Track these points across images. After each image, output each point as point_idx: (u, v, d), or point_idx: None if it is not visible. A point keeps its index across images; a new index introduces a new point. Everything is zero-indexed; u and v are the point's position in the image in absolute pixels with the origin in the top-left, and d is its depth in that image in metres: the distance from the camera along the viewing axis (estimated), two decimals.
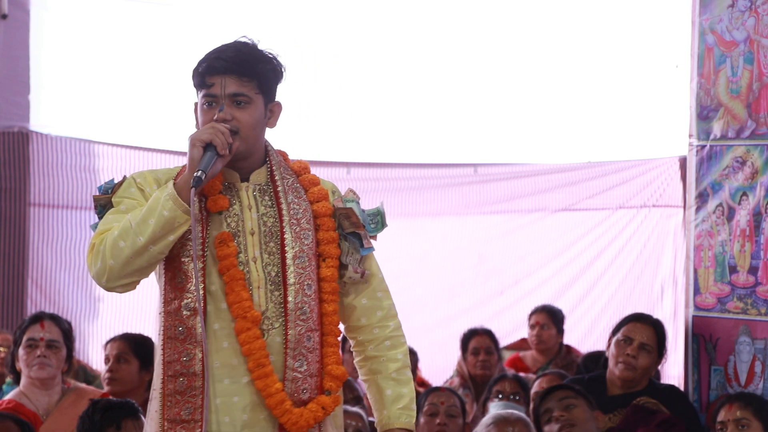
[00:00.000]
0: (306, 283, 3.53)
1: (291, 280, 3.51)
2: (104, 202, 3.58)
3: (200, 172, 3.37)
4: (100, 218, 3.58)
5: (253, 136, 3.54)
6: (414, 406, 3.67)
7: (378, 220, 3.70)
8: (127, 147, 8.32)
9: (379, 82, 8.62)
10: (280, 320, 3.50)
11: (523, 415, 5.61)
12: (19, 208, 8.15)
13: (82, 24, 8.37)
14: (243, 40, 3.57)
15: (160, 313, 3.56)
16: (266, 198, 3.57)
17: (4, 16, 8.12)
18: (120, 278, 3.45)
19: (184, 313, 3.48)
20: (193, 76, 3.54)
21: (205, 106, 3.51)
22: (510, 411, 5.67)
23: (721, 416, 5.44)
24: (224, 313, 3.49)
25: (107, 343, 6.19)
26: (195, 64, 3.54)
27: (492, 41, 8.69)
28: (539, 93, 8.74)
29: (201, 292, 3.46)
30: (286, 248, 3.52)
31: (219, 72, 3.49)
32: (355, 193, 3.69)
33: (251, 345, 3.45)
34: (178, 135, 7.82)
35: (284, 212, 3.55)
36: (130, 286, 3.52)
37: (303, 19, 8.46)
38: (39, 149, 8.19)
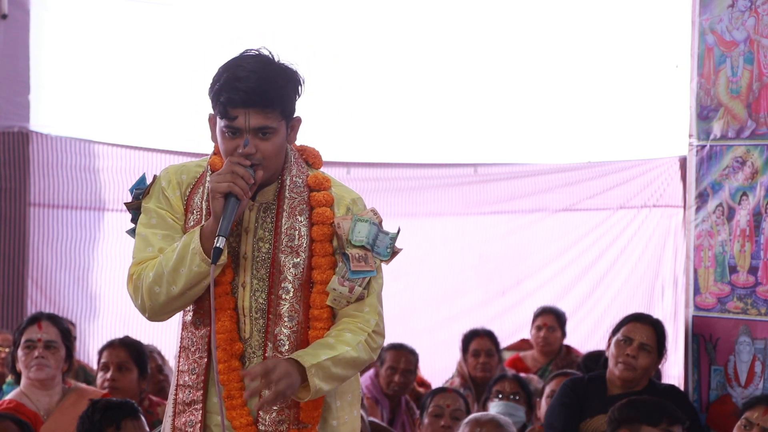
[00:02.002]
0: (288, 314, 3.46)
1: (273, 310, 3.46)
2: (136, 206, 3.54)
3: (220, 240, 3.31)
4: (133, 222, 3.55)
5: (275, 162, 3.47)
6: (322, 377, 3.34)
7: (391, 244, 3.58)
8: (127, 147, 8.32)
9: (379, 83, 8.62)
10: (262, 349, 3.47)
11: (496, 416, 5.61)
12: (19, 208, 8.15)
13: (82, 24, 8.37)
14: (261, 54, 3.43)
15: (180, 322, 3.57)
16: (268, 219, 3.49)
17: (4, 16, 8.13)
18: (161, 315, 3.47)
19: (196, 324, 3.48)
20: (213, 100, 3.41)
21: (227, 134, 3.41)
22: (484, 413, 5.68)
23: (752, 414, 5.37)
24: None
25: (104, 349, 6.16)
26: (213, 84, 3.40)
27: (492, 42, 8.69)
28: (539, 93, 8.74)
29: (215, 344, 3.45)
30: (273, 277, 3.47)
31: (241, 105, 3.36)
32: (376, 214, 3.56)
33: (226, 376, 3.44)
34: (178, 135, 7.86)
35: (280, 238, 3.48)
36: (174, 315, 3.55)
37: (303, 19, 8.46)
38: (39, 149, 8.19)
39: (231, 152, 3.40)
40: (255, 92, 3.37)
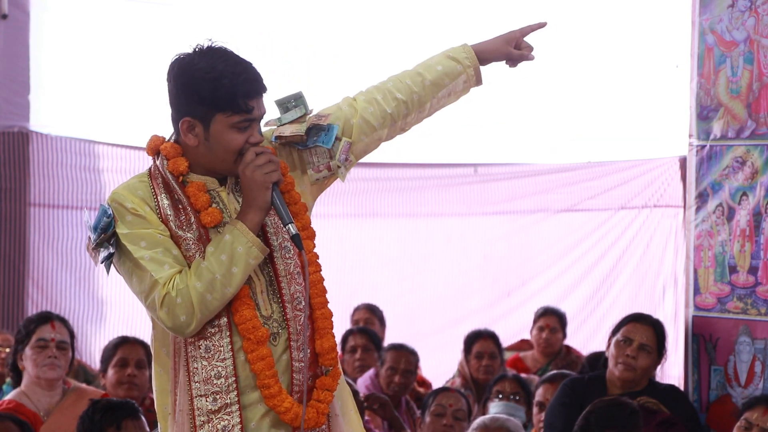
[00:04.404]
0: (296, 271, 3.50)
1: (282, 272, 3.49)
2: (109, 237, 3.44)
3: (292, 226, 3.41)
4: (106, 255, 3.43)
5: None
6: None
7: (298, 103, 3.62)
8: (127, 147, 8.33)
9: (377, 80, 8.60)
10: (284, 319, 3.48)
11: (509, 419, 5.59)
12: (19, 208, 8.15)
13: (82, 24, 8.37)
14: (223, 47, 3.44)
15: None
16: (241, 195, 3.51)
17: (4, 16, 8.13)
18: (202, 325, 3.43)
19: (209, 330, 3.45)
20: (224, 98, 3.38)
21: (241, 129, 3.41)
22: (494, 416, 5.67)
23: (752, 415, 5.38)
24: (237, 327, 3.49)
25: (119, 345, 6.16)
26: (206, 84, 3.37)
27: None
28: (539, 93, 8.74)
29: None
30: (271, 243, 3.48)
31: (257, 95, 3.43)
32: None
33: (257, 365, 3.44)
34: None
35: None
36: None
37: (303, 19, 8.45)
38: (39, 149, 8.19)
39: (241, 146, 3.43)
40: (259, 80, 3.45)
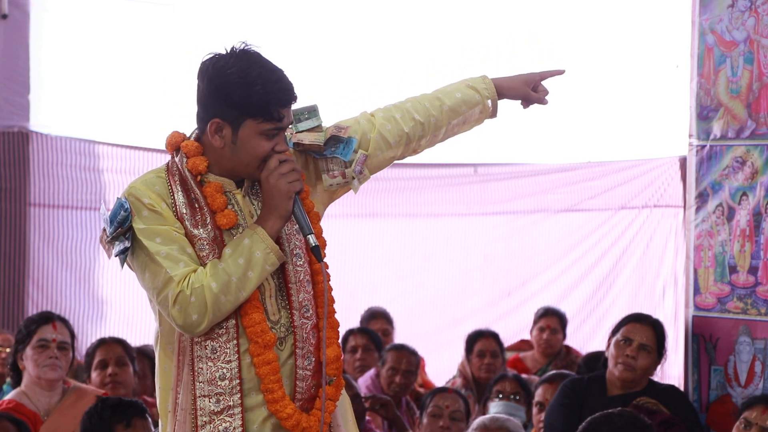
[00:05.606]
0: (306, 279, 3.51)
1: (292, 279, 3.49)
2: (124, 232, 3.43)
3: (312, 238, 3.42)
4: (121, 249, 3.41)
5: None
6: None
7: (311, 115, 3.62)
8: (127, 147, 8.33)
9: (379, 82, 8.62)
10: (290, 325, 3.49)
11: (509, 420, 5.58)
12: (19, 208, 8.15)
13: (82, 24, 8.37)
14: (257, 52, 3.44)
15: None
16: (258, 200, 3.52)
17: (4, 16, 8.13)
18: (212, 325, 3.43)
19: (216, 331, 3.45)
20: (257, 105, 3.37)
21: (271, 136, 3.41)
22: (493, 417, 5.65)
23: (751, 414, 5.38)
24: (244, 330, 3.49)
25: (98, 347, 6.18)
26: (240, 89, 3.36)
27: (492, 41, 8.69)
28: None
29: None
30: (284, 249, 3.48)
31: (289, 103, 3.44)
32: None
33: (262, 369, 3.44)
34: None
35: None
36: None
37: (303, 19, 8.45)
38: (39, 149, 8.20)
39: (267, 153, 3.43)
40: (291, 89, 3.45)
